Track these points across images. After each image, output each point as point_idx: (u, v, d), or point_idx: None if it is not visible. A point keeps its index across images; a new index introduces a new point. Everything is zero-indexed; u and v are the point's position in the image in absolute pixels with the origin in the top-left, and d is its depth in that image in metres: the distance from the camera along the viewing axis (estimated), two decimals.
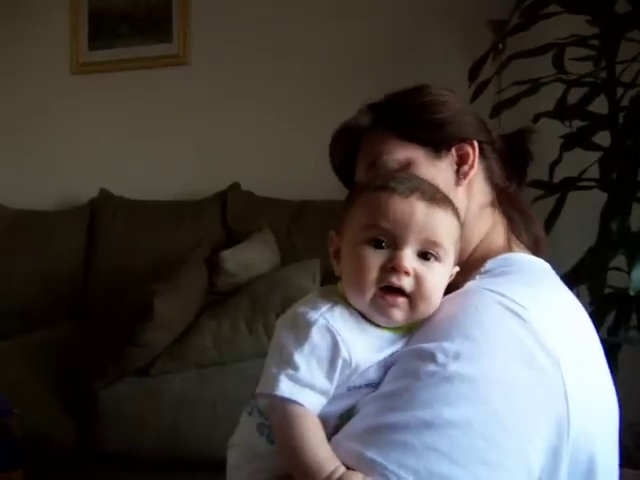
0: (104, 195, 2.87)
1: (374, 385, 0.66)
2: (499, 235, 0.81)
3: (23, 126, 3.17)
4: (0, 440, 1.57)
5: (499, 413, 0.60)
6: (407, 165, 0.79)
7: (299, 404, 0.62)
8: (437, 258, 0.67)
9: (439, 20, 2.61)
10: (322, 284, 2.10)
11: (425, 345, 0.64)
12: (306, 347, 0.63)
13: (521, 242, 0.82)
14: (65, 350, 2.06)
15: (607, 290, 1.88)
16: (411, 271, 0.65)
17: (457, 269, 0.72)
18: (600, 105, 2.00)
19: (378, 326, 0.67)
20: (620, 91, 2.00)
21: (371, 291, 0.66)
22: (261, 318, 1.89)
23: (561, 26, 2.05)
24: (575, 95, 1.97)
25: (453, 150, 0.79)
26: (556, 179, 2.01)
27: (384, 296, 0.65)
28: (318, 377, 0.63)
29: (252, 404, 0.73)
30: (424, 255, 0.66)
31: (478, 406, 0.59)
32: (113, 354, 1.84)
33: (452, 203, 0.70)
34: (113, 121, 3.06)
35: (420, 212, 0.66)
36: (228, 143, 2.89)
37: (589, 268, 1.88)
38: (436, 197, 0.68)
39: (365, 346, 0.65)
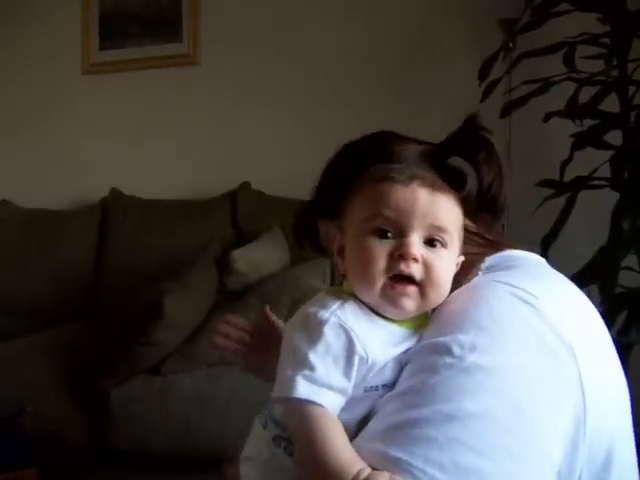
0: (115, 194, 2.89)
1: (391, 385, 0.65)
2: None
3: (34, 126, 3.19)
4: (14, 438, 1.59)
5: (519, 403, 0.59)
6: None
7: (318, 405, 0.60)
8: (443, 244, 0.66)
9: (449, 19, 2.61)
10: (332, 283, 2.10)
11: (440, 339, 0.63)
12: (320, 346, 0.62)
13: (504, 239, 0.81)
14: (76, 349, 2.08)
15: (618, 290, 1.87)
16: (419, 258, 0.64)
17: (462, 258, 0.71)
18: (611, 104, 1.99)
19: (390, 321, 0.66)
20: (632, 89, 1.99)
21: (380, 281, 0.64)
22: None
23: (572, 24, 2.04)
24: (586, 94, 1.96)
25: None
26: (567, 178, 2.01)
27: (394, 285, 0.64)
28: (335, 376, 0.62)
29: (266, 415, 0.71)
30: (430, 241, 0.66)
31: (498, 397, 0.59)
32: (124, 353, 1.84)
33: (452, 191, 0.70)
34: (124, 121, 3.07)
35: (423, 198, 0.66)
36: (238, 142, 2.90)
37: (600, 268, 1.87)
38: (437, 184, 0.68)
39: (380, 341, 0.64)
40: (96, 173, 3.07)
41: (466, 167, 0.81)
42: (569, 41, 1.96)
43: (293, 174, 2.73)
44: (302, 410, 0.61)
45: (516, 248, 0.79)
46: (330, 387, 0.61)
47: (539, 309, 0.64)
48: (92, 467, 1.90)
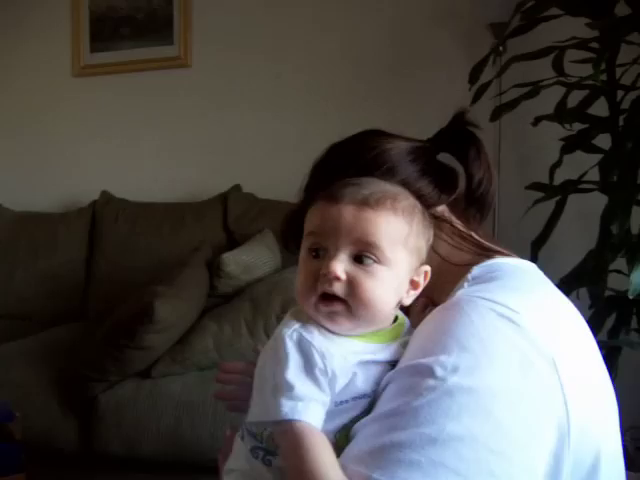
0: (106, 197, 2.88)
1: (362, 397, 0.66)
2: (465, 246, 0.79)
3: (25, 129, 3.18)
4: (2, 444, 1.57)
5: (502, 423, 0.59)
6: None
7: (305, 422, 0.61)
8: (376, 260, 0.66)
9: (439, 23, 2.62)
10: None
11: (422, 360, 0.63)
12: (291, 364, 0.63)
13: (491, 243, 0.81)
14: (66, 352, 2.06)
15: (607, 293, 1.88)
16: (342, 276, 0.65)
17: (427, 268, 0.72)
18: (600, 108, 2.00)
19: (352, 336, 0.67)
20: (620, 94, 2.00)
21: (312, 299, 0.66)
22: (262, 320, 1.89)
23: (561, 29, 2.05)
24: (575, 98, 1.97)
25: None
26: (556, 182, 2.02)
27: (321, 303, 0.66)
28: (312, 389, 0.63)
29: (242, 429, 0.73)
30: (359, 258, 0.66)
31: (481, 418, 0.59)
32: (114, 356, 1.84)
33: (403, 204, 0.69)
34: (114, 123, 3.07)
35: (347, 214, 0.66)
36: (229, 145, 2.90)
37: (589, 271, 1.88)
38: (372, 199, 0.67)
39: (340, 355, 0.65)
40: (87, 176, 3.07)
41: (454, 164, 0.82)
42: (558, 45, 1.97)
43: (284, 177, 2.72)
44: (291, 430, 0.61)
45: (506, 253, 0.79)
46: (310, 400, 0.62)
47: (521, 325, 0.64)
48: (82, 472, 1.89)
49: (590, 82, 1.93)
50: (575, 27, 2.04)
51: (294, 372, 0.62)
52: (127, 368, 1.87)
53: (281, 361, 0.63)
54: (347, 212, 0.66)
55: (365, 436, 0.62)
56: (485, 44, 2.32)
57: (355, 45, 2.73)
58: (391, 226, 0.67)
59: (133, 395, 1.87)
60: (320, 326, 0.67)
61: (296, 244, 0.91)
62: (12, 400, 1.75)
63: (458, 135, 0.82)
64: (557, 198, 2.00)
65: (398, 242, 0.67)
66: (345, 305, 0.65)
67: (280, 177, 2.67)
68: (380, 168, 0.77)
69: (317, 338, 0.65)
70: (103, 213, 2.81)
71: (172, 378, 1.89)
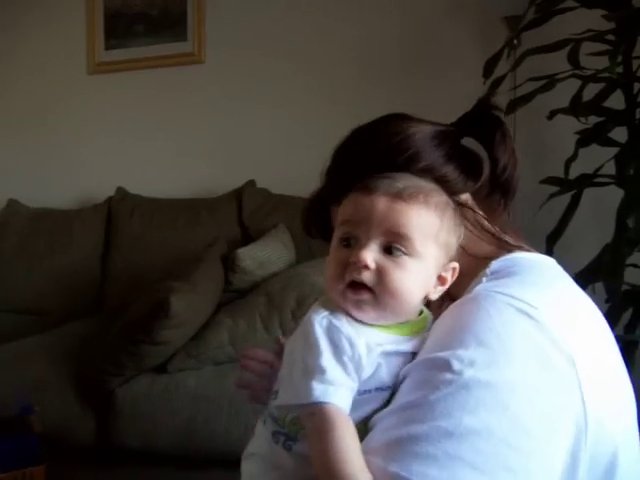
0: (121, 193, 2.90)
1: (384, 388, 0.66)
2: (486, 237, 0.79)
3: (40, 126, 3.20)
4: (22, 437, 1.59)
5: (519, 418, 0.59)
6: None
7: (335, 405, 0.62)
8: (406, 252, 0.67)
9: (454, 16, 2.61)
10: None
11: (439, 354, 0.63)
12: (321, 349, 0.64)
13: (511, 237, 0.80)
14: (83, 347, 2.08)
15: (624, 287, 1.86)
16: (371, 265, 0.66)
17: (455, 264, 0.72)
18: (616, 101, 1.99)
19: (379, 327, 0.68)
20: (637, 86, 1.99)
21: (340, 287, 0.67)
22: (277, 315, 1.90)
23: (577, 21, 2.03)
24: (591, 91, 1.96)
25: None
26: (572, 176, 2.00)
27: (349, 291, 0.67)
28: (342, 375, 0.63)
29: (265, 413, 0.74)
30: (389, 249, 0.67)
31: (498, 412, 0.59)
32: (130, 352, 1.85)
33: (435, 200, 0.69)
34: (129, 120, 3.08)
35: (380, 205, 0.67)
36: (243, 141, 2.90)
37: (606, 265, 1.86)
38: (405, 192, 0.68)
39: (365, 344, 0.65)
40: (102, 172, 3.09)
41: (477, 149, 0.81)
42: (574, 38, 1.95)
43: (298, 172, 2.73)
44: (320, 412, 0.62)
45: (525, 248, 0.78)
46: (341, 385, 0.63)
47: (539, 321, 0.63)
48: (99, 465, 1.91)
49: (606, 75, 1.91)
50: (591, 19, 2.02)
51: (325, 357, 0.63)
52: (143, 363, 1.88)
53: (312, 346, 0.64)
54: (380, 203, 0.67)
55: (383, 428, 0.62)
56: (499, 37, 2.31)
57: (368, 40, 2.72)
58: (422, 219, 0.67)
59: (149, 389, 1.88)
60: (348, 315, 0.67)
61: (317, 229, 0.91)
62: (31, 394, 1.77)
63: (483, 119, 0.81)
64: (572, 192, 1.99)
65: (429, 236, 0.68)
66: (372, 294, 0.66)
67: (294, 172, 2.68)
68: (404, 153, 0.76)
69: (345, 326, 0.66)
70: (118, 209, 2.83)
71: (187, 373, 1.90)
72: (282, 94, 2.85)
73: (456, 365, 0.61)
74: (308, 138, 2.73)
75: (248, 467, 0.75)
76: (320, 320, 0.66)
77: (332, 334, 0.65)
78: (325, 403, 0.61)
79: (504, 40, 2.23)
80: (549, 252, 1.95)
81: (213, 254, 2.27)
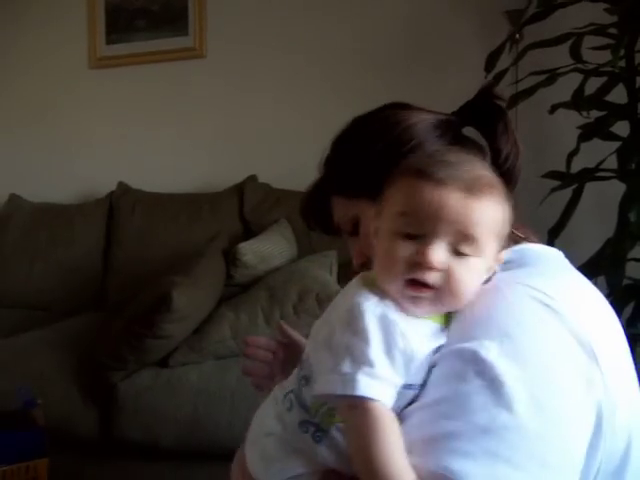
0: (122, 188, 2.90)
1: (420, 386, 0.63)
2: None
3: (42, 121, 3.20)
4: (25, 430, 1.60)
5: (549, 411, 0.59)
6: (356, 222, 0.80)
7: (382, 403, 0.59)
8: (472, 252, 0.63)
9: (456, 10, 2.60)
10: (339, 275, 2.10)
11: (465, 345, 0.61)
12: (372, 340, 0.60)
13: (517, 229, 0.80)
14: (85, 342, 2.09)
15: (625, 281, 1.86)
16: (439, 266, 0.62)
17: (502, 256, 0.69)
18: (619, 95, 1.98)
19: (424, 317, 0.65)
20: (639, 80, 1.98)
21: (399, 283, 0.63)
22: (278, 309, 1.90)
23: (579, 15, 2.03)
24: (593, 85, 1.95)
25: None
26: (574, 170, 2.00)
27: (410, 287, 0.63)
28: (390, 371, 0.60)
29: (290, 399, 0.70)
30: (456, 249, 0.63)
31: (529, 406, 0.58)
32: (132, 346, 1.85)
33: (499, 188, 0.65)
34: (131, 114, 3.08)
35: (454, 203, 0.62)
36: (245, 136, 2.90)
37: (607, 259, 1.86)
38: (476, 185, 0.63)
39: (418, 335, 0.63)
40: (104, 167, 3.09)
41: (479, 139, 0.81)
42: (576, 32, 1.95)
43: (300, 167, 2.72)
44: (366, 408, 0.59)
45: (531, 239, 0.78)
46: (388, 383, 0.60)
47: (558, 312, 0.63)
48: (101, 458, 1.92)
49: (608, 69, 1.91)
50: (593, 12, 2.02)
51: (375, 349, 0.60)
52: (145, 357, 1.89)
53: (361, 335, 0.60)
54: (452, 200, 0.62)
55: (415, 424, 0.60)
56: (501, 31, 2.30)
57: (370, 34, 2.72)
58: (491, 217, 0.64)
59: (151, 384, 1.89)
60: (397, 303, 0.64)
61: (316, 221, 0.91)
62: (34, 388, 1.78)
63: (485, 109, 0.80)
64: (574, 186, 1.99)
65: (493, 233, 0.65)
66: (434, 292, 0.63)
67: (296, 167, 2.67)
68: (407, 144, 0.76)
69: (399, 317, 0.62)
70: (120, 204, 2.83)
71: (190, 367, 1.90)
72: (284, 88, 2.85)
73: (483, 356, 0.60)
74: (310, 132, 2.72)
75: (269, 445, 0.71)
76: (372, 308, 0.62)
77: (385, 325, 0.61)
78: (371, 399, 0.59)
79: (506, 34, 2.23)
80: (550, 246, 1.94)
81: (214, 249, 2.27)
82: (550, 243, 1.97)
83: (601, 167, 1.98)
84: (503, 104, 0.81)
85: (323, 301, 1.89)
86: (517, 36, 2.22)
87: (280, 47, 2.84)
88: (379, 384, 0.59)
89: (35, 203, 3.00)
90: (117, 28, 3.08)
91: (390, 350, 0.60)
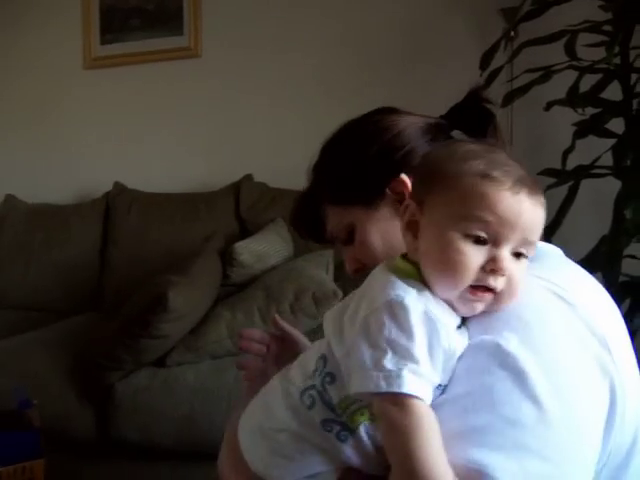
0: (118, 188, 2.90)
1: (441, 388, 0.62)
2: None
3: (37, 121, 3.20)
4: (21, 431, 1.60)
5: (572, 402, 0.59)
6: (352, 229, 0.80)
7: (424, 402, 0.58)
8: (528, 256, 0.64)
9: (451, 8, 2.60)
10: (335, 274, 2.10)
11: (486, 337, 0.62)
12: (417, 337, 0.58)
13: None
14: (82, 342, 2.08)
15: (621, 278, 1.87)
16: (509, 272, 0.62)
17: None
18: (614, 92, 1.99)
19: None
20: (634, 77, 1.98)
21: (463, 287, 0.62)
22: (274, 308, 1.90)
23: (574, 12, 2.03)
24: (588, 82, 1.95)
25: (387, 192, 0.77)
26: (569, 167, 2.00)
27: (475, 293, 0.62)
28: (431, 369, 0.59)
29: (312, 396, 0.67)
30: (517, 254, 0.63)
31: (555, 397, 0.58)
32: (129, 346, 1.85)
33: (543, 194, 0.65)
34: (126, 115, 3.08)
35: (528, 212, 0.62)
36: (240, 135, 2.90)
37: (603, 256, 1.87)
38: (538, 193, 0.63)
39: (455, 331, 0.62)
40: (99, 167, 3.08)
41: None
42: (570, 29, 1.95)
43: (296, 166, 2.71)
44: (409, 406, 0.57)
45: None
46: (429, 381, 0.59)
47: (573, 304, 0.64)
48: (98, 458, 1.92)
49: (603, 66, 1.91)
50: (588, 10, 2.02)
51: (420, 346, 0.58)
52: (142, 357, 1.89)
53: (406, 331, 0.58)
54: (527, 209, 0.62)
55: (441, 420, 0.59)
56: (496, 29, 2.30)
57: (365, 33, 2.71)
58: (543, 220, 0.65)
59: (148, 384, 1.88)
60: (436, 296, 0.63)
61: (308, 230, 0.91)
62: (30, 388, 1.77)
63: (474, 112, 0.81)
64: (570, 183, 1.99)
65: None
66: (494, 295, 0.62)
67: (291, 166, 2.66)
68: (401, 150, 0.77)
69: (440, 313, 0.61)
70: (116, 204, 2.83)
71: (186, 367, 1.90)
72: (279, 87, 2.84)
73: (506, 348, 0.60)
74: (306, 132, 2.71)
75: (282, 440, 0.68)
76: (414, 302, 0.60)
77: (429, 322, 0.59)
78: (417, 397, 0.57)
79: (501, 32, 2.23)
80: (548, 243, 1.95)
81: (211, 248, 2.27)
82: (546, 240, 1.95)
83: (596, 164, 1.98)
84: (492, 107, 0.81)
85: (319, 300, 1.89)
86: (512, 34, 2.22)
87: (276, 46, 2.84)
88: (423, 382, 0.58)
89: (31, 204, 3.00)
90: (112, 28, 3.07)
91: (432, 348, 0.59)
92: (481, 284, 0.61)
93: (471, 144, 0.68)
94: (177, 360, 1.91)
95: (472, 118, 0.80)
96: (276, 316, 0.99)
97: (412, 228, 0.66)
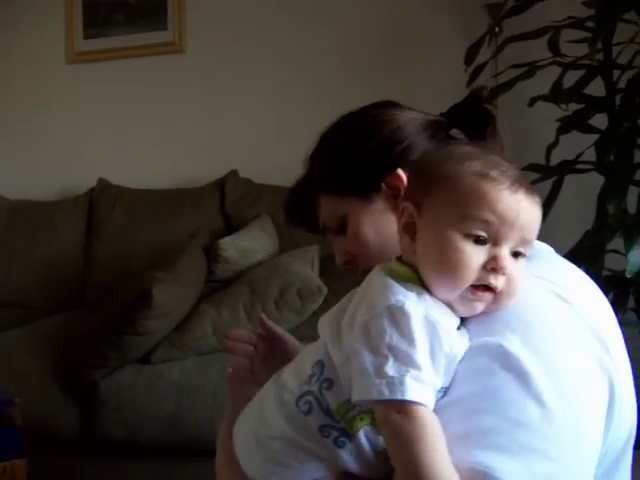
0: (103, 185, 2.87)
1: (443, 390, 0.62)
2: None
3: (21, 117, 3.16)
4: (2, 430, 1.58)
5: (576, 402, 0.59)
6: (345, 220, 0.80)
7: (428, 408, 0.58)
8: (525, 255, 0.64)
9: (435, 4, 2.60)
10: (320, 270, 2.10)
11: (489, 339, 0.62)
12: (418, 343, 0.58)
13: None
14: (66, 339, 2.07)
15: (605, 273, 1.88)
16: (509, 271, 0.62)
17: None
18: (597, 88, 2.00)
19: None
20: (617, 73, 2.00)
21: (464, 287, 0.62)
22: (260, 304, 1.90)
23: (558, 8, 2.04)
24: (571, 78, 1.96)
25: (383, 186, 0.78)
26: (553, 162, 2.02)
27: (475, 292, 0.62)
28: (434, 375, 0.59)
29: (309, 402, 0.66)
30: (516, 253, 0.63)
31: (558, 397, 0.58)
32: (113, 343, 1.84)
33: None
34: (110, 110, 3.05)
35: (526, 211, 0.62)
36: (225, 130, 2.89)
37: (587, 251, 1.88)
38: (534, 193, 0.64)
39: (456, 333, 0.62)
40: (83, 163, 3.06)
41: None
42: (554, 25, 1.96)
43: (281, 161, 2.72)
44: (413, 413, 0.57)
45: None
46: (432, 387, 0.59)
47: (571, 303, 0.64)
48: (83, 456, 1.90)
49: (586, 62, 1.92)
50: (571, 6, 2.03)
51: (421, 351, 0.58)
52: (126, 354, 1.88)
53: (407, 337, 0.58)
54: (525, 208, 0.62)
55: (445, 422, 0.58)
56: (481, 25, 2.31)
57: (350, 29, 2.71)
58: (540, 219, 0.65)
59: (133, 381, 1.87)
60: (434, 297, 0.63)
61: (300, 219, 0.91)
62: (13, 386, 1.75)
63: (475, 112, 0.81)
64: (554, 179, 2.00)
65: None
66: (494, 295, 0.63)
67: (277, 162, 2.67)
68: (400, 144, 0.77)
69: (440, 316, 0.61)
70: (100, 200, 2.81)
71: (171, 363, 1.89)
72: (264, 83, 2.83)
73: (509, 349, 0.60)
74: (290, 127, 2.72)
75: (276, 447, 0.68)
76: (414, 307, 0.60)
77: (430, 326, 0.59)
78: (420, 404, 0.57)
79: (485, 27, 2.23)
80: None
81: (195, 244, 2.26)
82: None
83: (580, 159, 2.00)
84: (493, 109, 0.81)
85: (305, 296, 1.89)
86: (496, 29, 2.23)
87: (261, 42, 2.83)
88: (426, 388, 0.58)
89: (13, 200, 2.96)
90: (95, 22, 3.04)
91: (434, 353, 0.59)
92: (482, 283, 0.61)
93: (466, 146, 0.69)
94: (162, 357, 1.90)
95: (472, 118, 0.81)
96: (262, 316, 0.98)
97: (409, 230, 0.66)
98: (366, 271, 0.69)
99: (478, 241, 0.61)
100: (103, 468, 1.90)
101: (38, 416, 1.82)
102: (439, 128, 0.80)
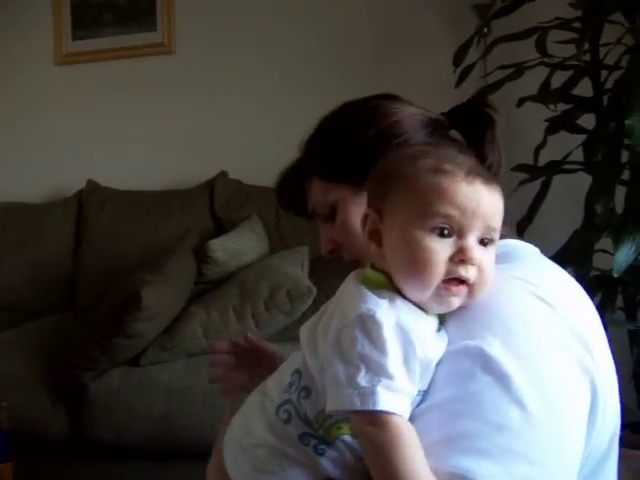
0: (91, 186, 2.86)
1: (421, 393, 0.62)
2: None
3: (8, 119, 3.14)
4: None
5: (557, 405, 0.59)
6: (335, 207, 0.80)
7: (402, 417, 0.57)
8: (492, 243, 0.64)
9: (424, 4, 2.61)
10: (310, 271, 2.10)
11: (470, 342, 0.61)
12: (390, 351, 0.58)
13: None
14: (55, 342, 2.06)
15: (593, 272, 1.89)
16: (478, 261, 0.61)
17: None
18: (584, 88, 2.01)
19: (427, 312, 0.63)
20: (604, 74, 2.01)
21: (436, 282, 0.61)
22: (249, 306, 1.90)
23: (546, 9, 2.05)
24: (559, 79, 1.97)
25: None
26: (541, 162, 2.03)
27: (448, 287, 0.61)
28: (409, 383, 0.58)
29: (288, 411, 0.66)
30: (482, 241, 0.63)
31: (539, 400, 0.58)
32: (103, 345, 1.83)
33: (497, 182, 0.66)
34: (99, 111, 3.03)
35: (485, 200, 0.62)
36: (214, 132, 2.88)
37: (575, 251, 1.89)
38: (492, 180, 0.64)
39: (430, 337, 0.61)
40: (72, 165, 3.04)
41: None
42: (542, 26, 1.97)
43: (270, 163, 2.70)
44: (388, 423, 0.57)
45: (510, 235, 0.79)
46: (406, 395, 0.58)
47: (553, 306, 0.64)
48: (71, 459, 1.90)
49: (574, 62, 1.93)
50: (559, 7, 2.04)
51: (393, 360, 0.58)
52: (116, 356, 1.87)
53: (378, 346, 0.58)
54: (484, 196, 0.62)
55: (426, 427, 0.59)
56: (469, 26, 2.31)
57: (339, 29, 2.71)
58: (502, 206, 0.65)
59: (123, 383, 1.87)
60: (406, 301, 0.62)
61: (292, 203, 0.90)
62: (0, 390, 1.75)
63: (476, 115, 0.81)
64: (542, 179, 2.01)
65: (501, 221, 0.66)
66: (468, 287, 0.62)
67: (266, 163, 2.65)
68: (398, 137, 0.77)
69: (412, 322, 0.60)
70: (89, 202, 2.79)
71: (161, 366, 1.89)
72: (253, 84, 2.83)
73: (490, 353, 0.60)
74: (279, 129, 2.71)
75: (260, 455, 0.68)
76: (385, 315, 0.59)
77: (402, 334, 0.59)
78: (392, 413, 0.56)
79: (474, 28, 2.24)
80: (519, 239, 1.97)
81: (185, 246, 2.25)
82: (519, 236, 1.98)
83: (568, 160, 2.00)
84: (494, 113, 0.81)
85: (294, 297, 1.89)
86: (485, 30, 2.24)
87: (249, 43, 2.82)
88: (399, 397, 0.57)
89: (2, 202, 2.94)
90: (83, 23, 3.02)
91: (408, 360, 0.58)
92: (453, 277, 0.61)
93: (418, 145, 0.70)
94: (151, 359, 1.90)
95: (472, 120, 0.81)
96: (248, 335, 0.97)
97: (375, 237, 0.66)
98: (352, 262, 0.69)
99: (442, 235, 0.61)
100: (92, 471, 1.89)
101: (27, 419, 1.82)
102: (439, 126, 0.80)
